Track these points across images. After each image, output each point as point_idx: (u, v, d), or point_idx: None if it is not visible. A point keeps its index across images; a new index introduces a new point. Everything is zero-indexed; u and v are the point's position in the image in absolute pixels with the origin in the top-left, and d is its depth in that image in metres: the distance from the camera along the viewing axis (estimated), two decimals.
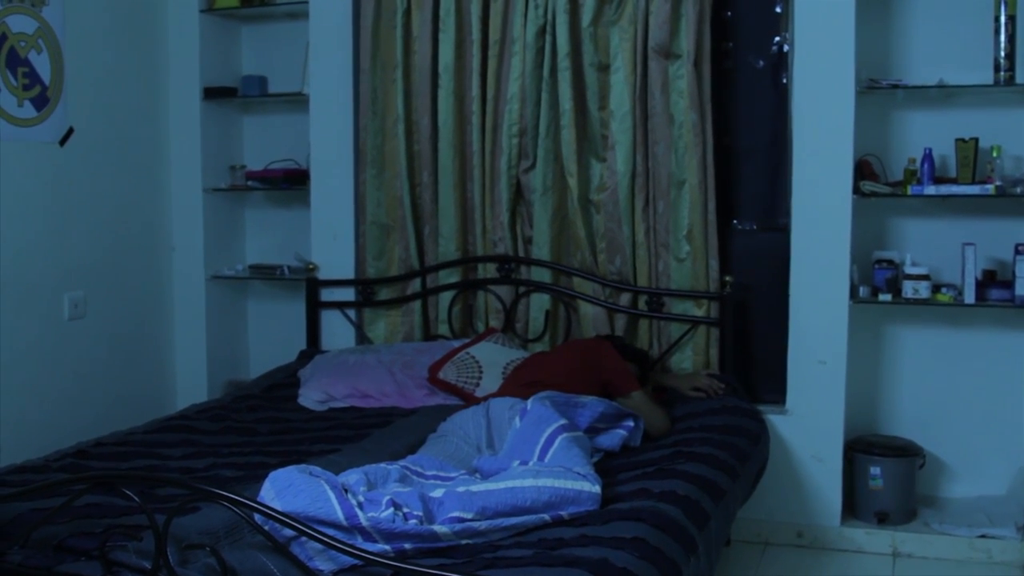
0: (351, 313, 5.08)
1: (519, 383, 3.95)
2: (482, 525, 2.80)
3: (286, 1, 5.18)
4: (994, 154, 4.23)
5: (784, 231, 4.50)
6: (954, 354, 4.57)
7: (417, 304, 4.95)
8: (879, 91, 4.41)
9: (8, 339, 4.41)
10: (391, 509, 2.73)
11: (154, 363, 5.28)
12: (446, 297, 4.89)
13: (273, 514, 2.52)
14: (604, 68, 4.55)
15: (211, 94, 5.25)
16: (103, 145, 4.89)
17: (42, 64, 4.53)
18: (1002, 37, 4.21)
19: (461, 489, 2.90)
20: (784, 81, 4.59)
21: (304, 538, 2.54)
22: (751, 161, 4.72)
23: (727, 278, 4.48)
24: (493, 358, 4.48)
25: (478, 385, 4.35)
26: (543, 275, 4.73)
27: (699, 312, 4.54)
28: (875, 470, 4.41)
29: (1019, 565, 4.24)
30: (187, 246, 5.30)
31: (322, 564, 2.56)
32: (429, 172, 4.85)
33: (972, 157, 4.28)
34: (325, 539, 2.46)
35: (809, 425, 4.43)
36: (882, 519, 4.42)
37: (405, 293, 4.98)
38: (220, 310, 5.42)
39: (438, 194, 4.84)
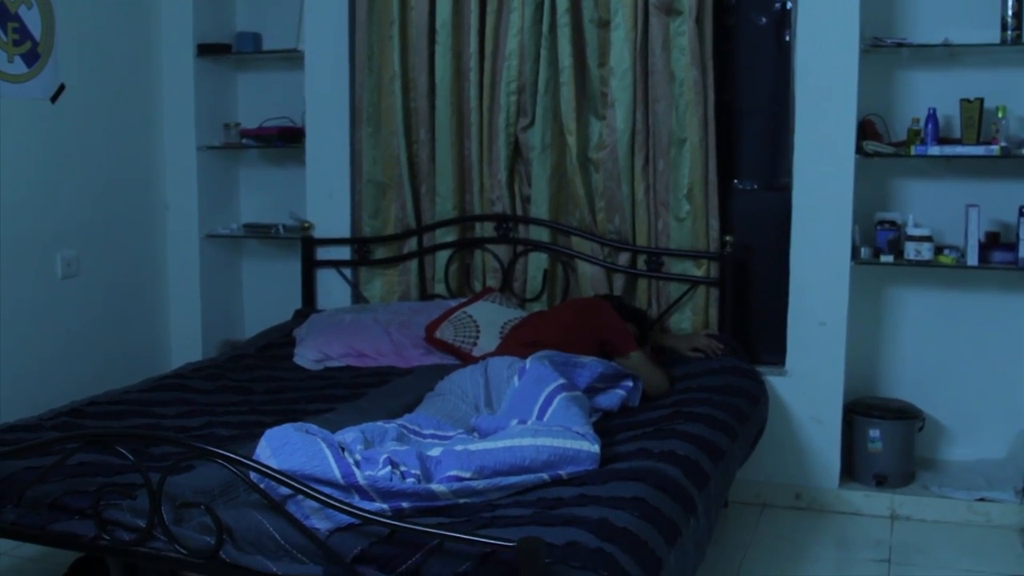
0: (347, 272, 5.03)
1: (517, 343, 3.91)
2: (480, 484, 2.77)
3: None
4: (999, 114, 4.17)
5: (785, 191, 4.44)
6: (955, 317, 4.53)
7: (413, 263, 4.91)
8: (883, 49, 4.34)
9: (0, 298, 4.35)
10: (388, 468, 2.70)
11: (148, 323, 5.25)
12: (443, 256, 4.84)
13: (269, 472, 2.49)
14: (604, 24, 4.48)
15: (205, 51, 5.19)
16: (95, 102, 4.83)
17: (32, 19, 4.46)
18: None
19: (459, 448, 2.87)
20: (787, 38, 4.53)
21: (300, 496, 2.50)
22: (753, 119, 4.66)
23: (727, 238, 4.44)
24: (490, 317, 4.44)
25: (475, 345, 4.31)
26: (541, 234, 4.69)
27: (698, 272, 4.50)
28: (874, 432, 4.39)
29: (1018, 528, 4.23)
30: (181, 205, 5.26)
31: (319, 523, 2.52)
32: (426, 130, 4.79)
33: (977, 117, 4.22)
34: (322, 497, 2.43)
35: (808, 387, 4.40)
36: (880, 482, 4.40)
37: (401, 252, 4.94)
38: (214, 269, 5.38)
39: (435, 152, 4.78)
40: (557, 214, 4.68)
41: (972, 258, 4.20)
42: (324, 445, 2.68)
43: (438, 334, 4.39)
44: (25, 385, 4.43)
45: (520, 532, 2.44)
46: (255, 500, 2.60)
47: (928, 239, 4.25)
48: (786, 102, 4.46)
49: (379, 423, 3.12)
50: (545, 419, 3.20)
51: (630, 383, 3.74)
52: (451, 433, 3.21)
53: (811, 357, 4.39)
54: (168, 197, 5.28)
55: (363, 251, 4.98)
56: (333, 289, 5.05)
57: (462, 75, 4.70)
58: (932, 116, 4.23)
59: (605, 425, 3.52)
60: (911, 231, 4.29)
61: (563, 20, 4.45)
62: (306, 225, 5.01)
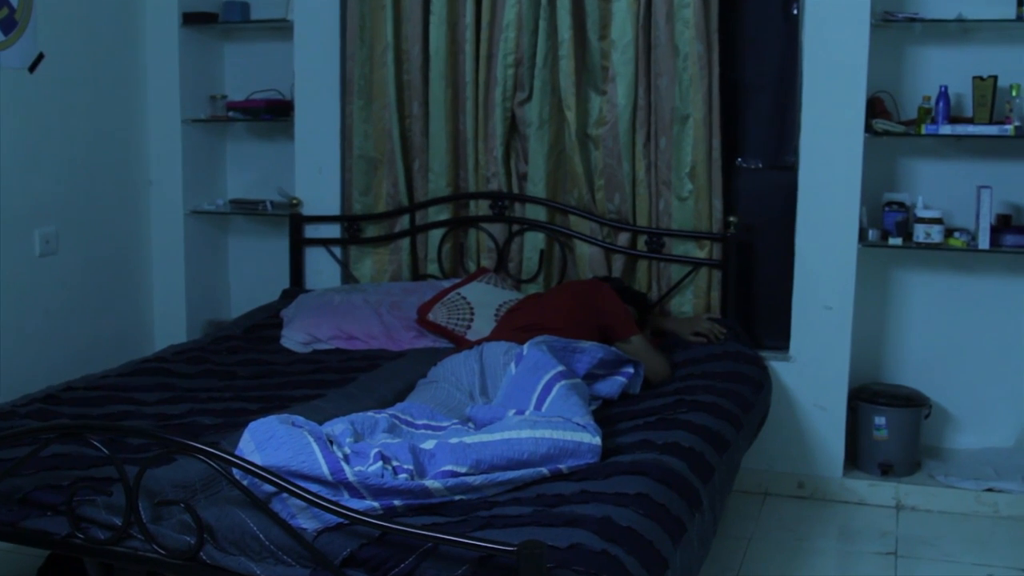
0: (336, 251, 4.91)
1: (513, 327, 3.77)
2: (476, 480, 2.64)
3: None
4: (1013, 93, 4.05)
5: (791, 170, 4.31)
6: (964, 301, 4.42)
7: (405, 242, 4.78)
8: (894, 25, 4.21)
9: None
10: (379, 463, 2.57)
11: (130, 302, 5.09)
12: (436, 235, 4.72)
13: (253, 469, 2.35)
14: None
15: (190, 20, 5.02)
16: (75, 72, 4.65)
17: None
18: None
19: (454, 440, 2.74)
20: (795, 12, 4.37)
21: (286, 495, 2.36)
22: (758, 96, 4.51)
23: (731, 218, 4.31)
24: (485, 299, 4.33)
25: (469, 327, 4.20)
26: (538, 213, 4.56)
27: (701, 254, 4.38)
28: (880, 420, 4.29)
29: None
30: (165, 180, 5.10)
31: (305, 522, 2.39)
32: (419, 103, 4.66)
33: (990, 96, 4.09)
34: (308, 496, 2.29)
35: (813, 373, 4.30)
36: (886, 471, 4.31)
37: (393, 230, 4.81)
38: (199, 247, 5.24)
39: (428, 127, 4.64)
40: (555, 192, 4.55)
41: (984, 241, 4.08)
42: (311, 439, 2.53)
43: (430, 316, 4.26)
44: (1, 368, 4.27)
45: (520, 534, 2.32)
46: (238, 496, 2.46)
47: (938, 221, 4.13)
48: (793, 78, 4.32)
49: (369, 413, 2.98)
50: (544, 409, 3.07)
51: (631, 369, 3.62)
52: (445, 423, 3.07)
53: (816, 342, 4.29)
54: (151, 172, 5.12)
55: (353, 229, 4.85)
56: (322, 268, 4.93)
57: (457, 47, 4.56)
58: (943, 94, 4.11)
59: (605, 414, 3.41)
60: (921, 213, 4.17)
61: None
62: (294, 202, 4.87)
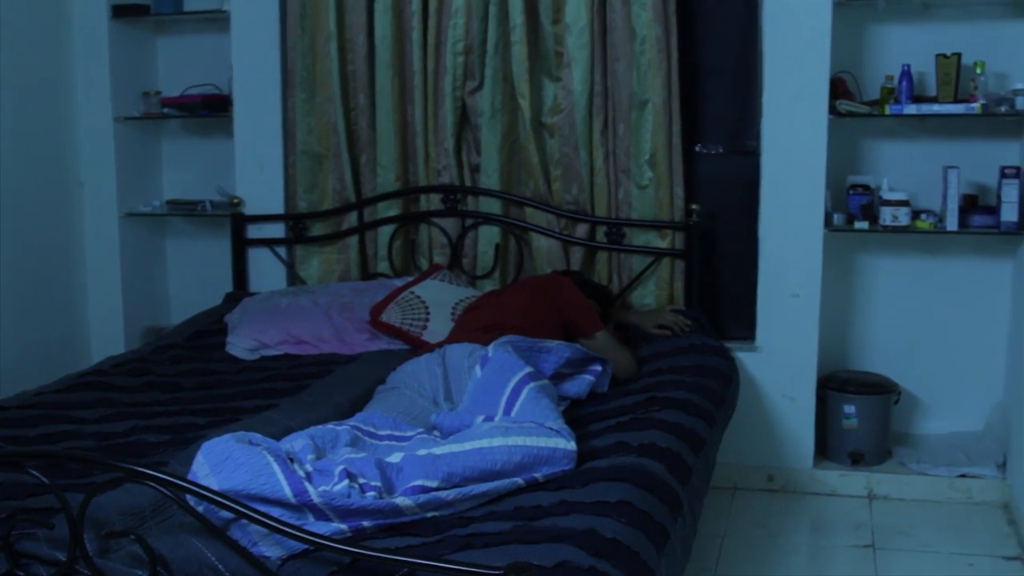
0: (281, 251, 4.72)
1: (474, 327, 3.60)
2: (449, 495, 2.48)
3: None
4: (978, 71, 3.96)
5: (754, 155, 4.22)
6: (931, 284, 4.35)
7: (354, 240, 4.62)
8: (856, 3, 4.11)
9: None
10: (345, 481, 2.38)
11: (63, 311, 4.86)
12: (386, 232, 4.56)
13: (208, 496, 2.15)
14: None
15: (120, 12, 4.80)
16: None
17: None
18: None
19: (422, 452, 2.58)
20: None
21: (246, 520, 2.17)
22: (718, 79, 4.39)
23: (693, 206, 4.20)
24: (440, 297, 4.17)
25: (425, 327, 4.04)
26: (492, 206, 4.42)
27: (662, 243, 4.26)
28: (849, 408, 4.21)
29: (1000, 504, 4.09)
30: (97, 181, 4.88)
31: (268, 550, 2.21)
32: (365, 95, 4.49)
33: (954, 74, 4.01)
34: (269, 523, 2.10)
35: (780, 362, 4.22)
36: (856, 460, 4.24)
37: (340, 228, 4.64)
38: (136, 250, 5.01)
39: (375, 119, 4.48)
40: (509, 184, 4.41)
41: (952, 223, 4.01)
42: (271, 458, 2.35)
43: (384, 317, 4.09)
44: None
45: (503, 554, 2.17)
46: (193, 524, 2.26)
47: (905, 203, 4.04)
48: (754, 60, 4.21)
49: (329, 425, 2.80)
50: (513, 414, 2.91)
51: (599, 367, 3.48)
52: (410, 433, 2.90)
53: (783, 331, 4.20)
54: (83, 173, 4.89)
55: (298, 228, 4.67)
56: (267, 270, 4.74)
57: (404, 35, 4.39)
58: (906, 73, 4.03)
59: (574, 414, 3.26)
60: (886, 195, 4.08)
61: None
62: (235, 201, 4.68)
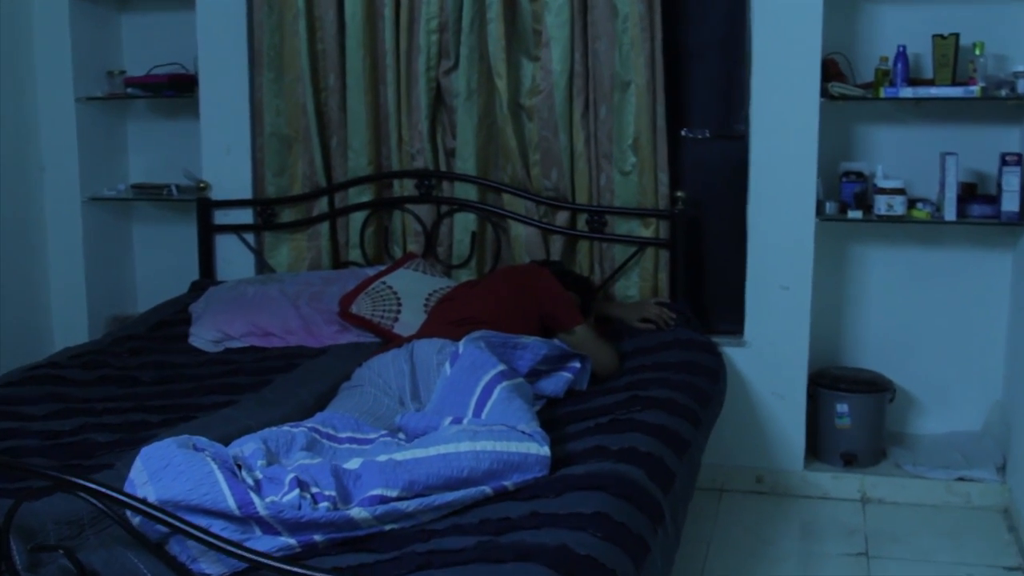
0: (249, 238, 4.54)
1: (446, 320, 3.41)
2: (410, 506, 2.30)
3: None
4: (977, 52, 3.79)
5: (742, 139, 4.07)
6: (927, 277, 4.19)
7: (324, 227, 4.45)
8: None
9: None
10: (296, 490, 2.20)
11: (24, 300, 4.69)
12: (357, 218, 4.39)
13: (143, 508, 1.97)
14: None
15: None
16: None
17: None
18: None
19: (382, 458, 2.40)
20: None
21: None
22: (705, 59, 4.22)
23: (678, 193, 4.03)
24: (413, 288, 3.99)
25: (396, 319, 3.86)
26: (468, 192, 4.26)
27: (646, 232, 4.10)
28: (842, 407, 4.05)
29: (1000, 509, 3.92)
30: (59, 164, 4.70)
31: (209, 567, 2.05)
32: (336, 75, 4.31)
33: (952, 56, 3.84)
34: (205, 538, 1.92)
35: (769, 358, 4.05)
36: (849, 461, 4.08)
37: (311, 214, 4.47)
38: (100, 237, 4.84)
39: (346, 100, 4.30)
40: (486, 169, 4.25)
41: (950, 212, 3.84)
42: (215, 466, 2.17)
43: (353, 308, 3.91)
44: None
45: (464, 573, 1.97)
46: (130, 537, 2.07)
47: (900, 191, 3.87)
48: (742, 40, 4.04)
49: (284, 427, 2.62)
50: (484, 415, 2.73)
51: (577, 364, 3.31)
52: (372, 435, 2.72)
53: (772, 325, 4.04)
54: (44, 156, 4.72)
55: (267, 214, 4.50)
56: (234, 257, 4.55)
57: (375, 12, 4.21)
58: (902, 54, 3.86)
59: (550, 415, 3.09)
60: (881, 183, 3.91)
61: None
62: (201, 185, 4.48)
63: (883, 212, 3.86)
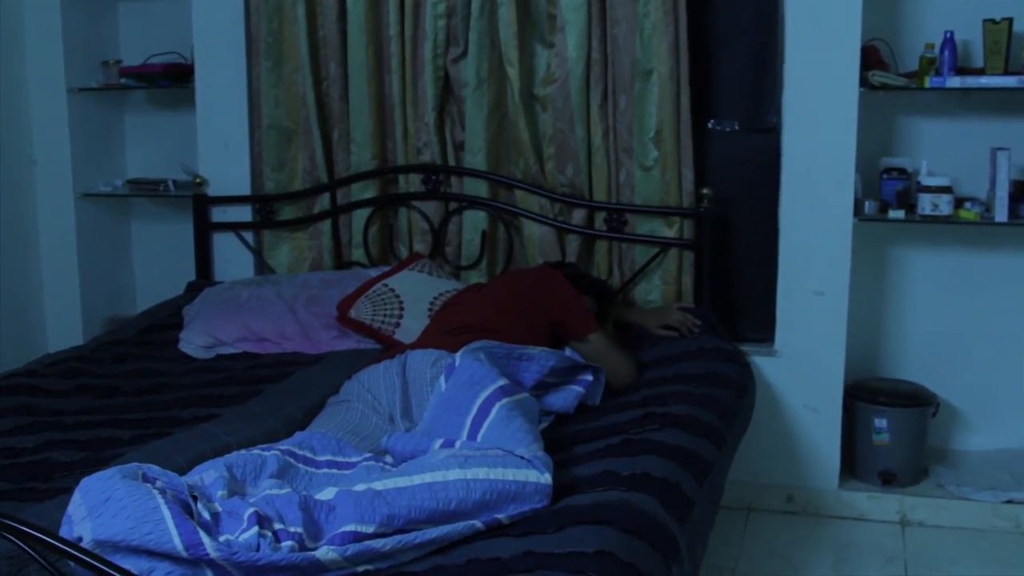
0: (248, 236, 4.34)
1: (445, 328, 3.16)
2: (387, 545, 2.04)
3: None
4: None
5: (774, 132, 3.86)
6: (974, 282, 3.96)
7: (326, 225, 4.25)
8: None
9: None
10: (255, 528, 1.93)
11: (16, 301, 4.52)
12: (361, 216, 4.19)
13: (72, 552, 1.70)
14: None
15: None
16: None
17: None
18: None
19: (360, 487, 2.14)
20: None
21: None
22: (733, 45, 4.00)
23: (704, 191, 3.79)
24: (417, 291, 3.76)
25: (398, 325, 3.64)
26: (478, 188, 4.04)
27: (669, 232, 3.87)
28: (880, 422, 3.80)
29: None
30: (51, 158, 4.53)
31: None
32: (337, 63, 4.11)
33: (1004, 42, 3.61)
34: None
35: (802, 369, 3.81)
36: (887, 480, 3.83)
37: (312, 212, 4.27)
38: (95, 234, 4.66)
39: (348, 90, 4.11)
40: (497, 163, 4.04)
41: (1001, 212, 3.59)
42: (161, 500, 1.90)
43: (352, 313, 3.68)
44: None
45: None
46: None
47: (947, 190, 3.63)
48: (774, 23, 3.84)
49: (255, 450, 2.36)
50: (479, 437, 2.46)
51: (589, 377, 3.05)
52: (355, 459, 2.46)
53: (806, 334, 3.80)
54: (35, 149, 4.54)
55: (266, 211, 4.30)
56: (233, 257, 4.35)
57: None
58: (949, 41, 3.65)
59: (558, 433, 2.83)
60: (925, 180, 3.68)
61: None
62: (198, 180, 4.27)
63: (927, 212, 3.64)
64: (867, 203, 3.74)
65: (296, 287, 3.90)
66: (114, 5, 4.67)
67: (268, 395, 3.14)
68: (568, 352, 3.18)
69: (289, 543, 1.95)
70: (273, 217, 4.28)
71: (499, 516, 2.20)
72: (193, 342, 3.71)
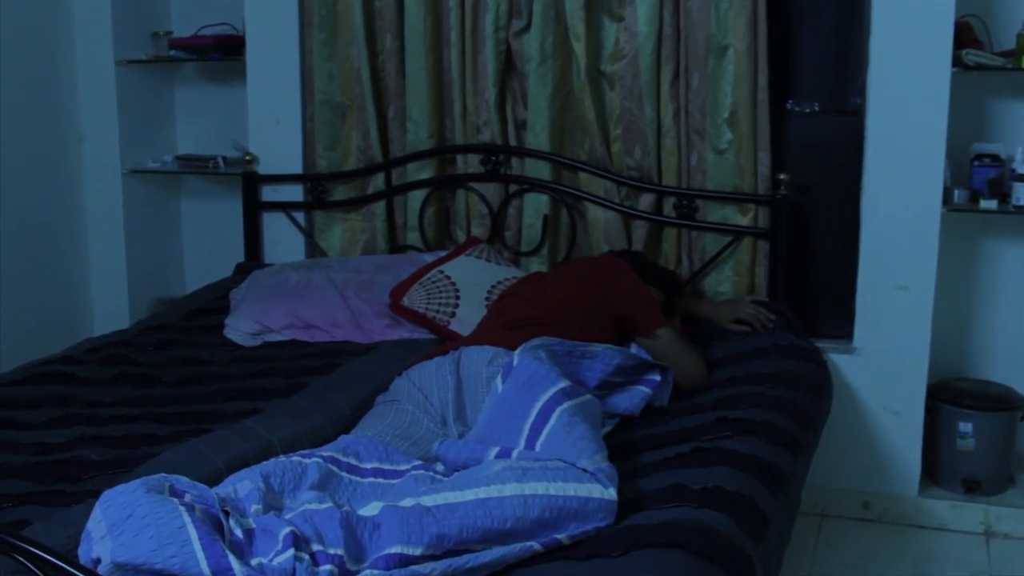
0: (299, 217, 4.21)
1: (502, 321, 2.98)
2: (436, 569, 1.88)
3: None
4: None
5: (857, 114, 3.65)
6: None
7: (380, 206, 4.10)
8: None
9: None
10: (291, 551, 1.76)
11: (63, 280, 4.42)
12: (416, 198, 4.03)
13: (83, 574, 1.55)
14: None
15: None
16: None
17: None
18: None
19: (408, 503, 1.97)
20: None
21: None
22: (815, 20, 3.78)
23: (781, 176, 3.59)
24: (474, 278, 3.60)
25: (453, 315, 3.48)
26: (540, 170, 3.88)
27: (743, 220, 3.67)
28: (965, 426, 3.59)
29: None
30: (98, 134, 4.40)
31: None
32: (393, 36, 3.96)
33: None
34: None
35: (883, 368, 3.59)
36: (971, 488, 3.62)
37: (365, 192, 4.13)
38: (144, 212, 4.53)
39: (405, 64, 3.96)
40: (560, 144, 3.88)
41: None
42: (188, 519, 1.74)
43: (405, 301, 3.53)
44: None
45: None
46: None
47: None
48: None
49: (295, 457, 2.19)
50: (538, 446, 2.27)
51: (657, 377, 2.84)
52: (403, 467, 2.28)
53: (887, 330, 3.58)
54: (82, 125, 4.42)
55: (318, 191, 4.16)
56: (283, 238, 4.23)
57: None
58: None
59: (623, 438, 2.66)
60: (1020, 168, 3.44)
61: None
62: (248, 158, 4.16)
63: (1022, 202, 3.41)
64: (956, 192, 3.51)
65: (348, 271, 3.74)
66: None
67: (313, 389, 2.99)
68: (634, 349, 2.99)
69: (328, 567, 1.78)
70: (325, 197, 4.14)
71: (559, 536, 2.02)
72: (239, 328, 3.57)
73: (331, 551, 1.81)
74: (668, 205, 3.76)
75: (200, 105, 4.60)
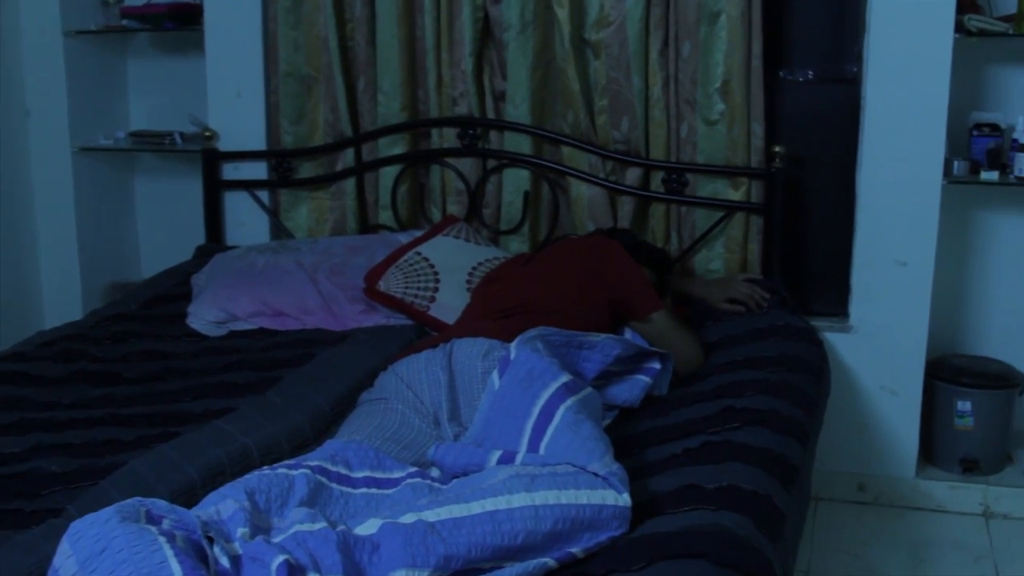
0: (263, 196, 4.03)
1: (491, 309, 2.82)
2: None
3: None
4: None
5: (854, 83, 3.54)
6: None
7: (350, 184, 3.94)
8: None
9: None
10: None
11: (10, 267, 4.24)
12: (389, 174, 3.87)
13: None
14: None
15: None
16: None
17: None
18: None
19: (409, 519, 1.82)
20: None
21: None
22: None
23: (775, 148, 3.46)
24: (453, 260, 3.44)
25: (433, 300, 3.30)
26: (520, 144, 3.74)
27: (735, 194, 3.54)
28: (963, 404, 3.51)
29: None
30: (45, 109, 4.22)
31: None
32: (363, 3, 3.78)
33: None
34: None
35: (880, 347, 3.50)
36: (970, 468, 3.56)
37: (334, 169, 3.97)
38: (96, 192, 4.34)
39: (376, 33, 3.80)
40: (542, 117, 3.74)
41: None
42: (169, 552, 1.56)
43: (381, 285, 3.35)
44: None
45: None
46: None
47: None
48: None
49: (280, 469, 2.00)
50: (543, 447, 2.12)
51: (657, 365, 2.70)
52: (397, 474, 2.11)
53: (885, 308, 3.48)
54: (28, 99, 4.24)
55: (283, 168, 3.98)
56: (246, 219, 4.05)
57: None
58: None
59: (625, 432, 2.51)
60: (1022, 137, 3.32)
61: None
62: (207, 133, 3.98)
63: (1023, 174, 3.30)
64: (956, 163, 3.38)
65: (317, 255, 3.55)
66: None
67: (288, 383, 2.81)
68: (628, 334, 2.84)
69: None
70: (291, 175, 3.98)
71: (573, 550, 1.87)
72: (203, 317, 3.38)
73: None
74: (656, 180, 3.62)
75: (155, 78, 4.42)
